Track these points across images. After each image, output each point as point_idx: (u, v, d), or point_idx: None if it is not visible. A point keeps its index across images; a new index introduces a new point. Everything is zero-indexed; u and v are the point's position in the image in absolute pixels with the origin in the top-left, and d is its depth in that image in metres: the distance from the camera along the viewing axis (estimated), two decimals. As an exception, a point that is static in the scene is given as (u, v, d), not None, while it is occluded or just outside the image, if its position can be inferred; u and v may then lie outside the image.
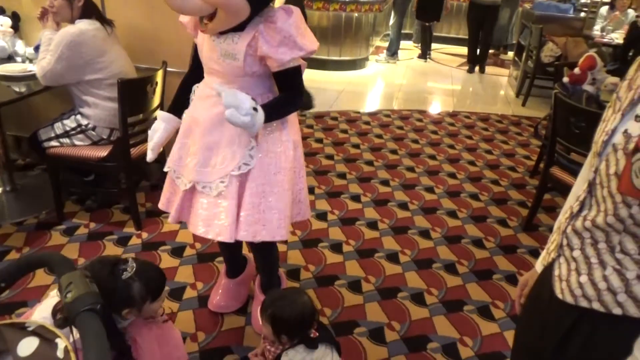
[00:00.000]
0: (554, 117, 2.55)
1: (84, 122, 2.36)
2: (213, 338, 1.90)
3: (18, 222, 2.53)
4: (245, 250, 2.12)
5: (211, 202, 1.58)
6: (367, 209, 2.94)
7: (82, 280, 0.62)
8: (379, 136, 4.13)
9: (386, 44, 7.04)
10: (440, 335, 2.01)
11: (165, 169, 1.71)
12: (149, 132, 1.72)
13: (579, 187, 1.00)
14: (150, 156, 1.72)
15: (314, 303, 1.50)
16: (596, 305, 0.79)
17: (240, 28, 1.42)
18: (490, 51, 7.93)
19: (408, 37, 8.02)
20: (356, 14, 5.86)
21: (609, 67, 4.14)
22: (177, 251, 2.41)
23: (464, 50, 8.10)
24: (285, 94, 1.55)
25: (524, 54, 5.30)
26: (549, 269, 0.91)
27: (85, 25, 2.19)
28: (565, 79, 3.11)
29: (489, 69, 6.95)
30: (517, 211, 3.06)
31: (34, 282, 2.11)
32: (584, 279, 0.80)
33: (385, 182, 3.29)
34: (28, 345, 0.69)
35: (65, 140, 2.37)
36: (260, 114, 1.38)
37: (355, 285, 2.26)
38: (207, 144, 1.56)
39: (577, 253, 0.82)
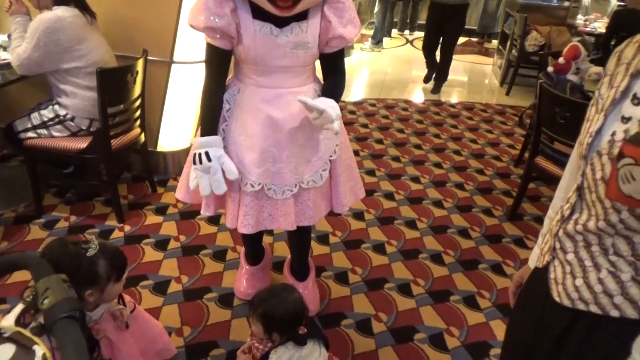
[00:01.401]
0: (538, 106, 2.56)
1: (62, 112, 2.29)
2: (199, 332, 1.87)
3: (-5, 216, 2.46)
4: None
5: (318, 190, 1.67)
6: (353, 199, 2.92)
7: (59, 285, 0.59)
8: (365, 125, 4.11)
9: (371, 32, 7.00)
10: (427, 325, 2.01)
11: (247, 189, 1.55)
12: (203, 164, 1.45)
13: (566, 182, 0.99)
14: (223, 189, 1.49)
15: (302, 299, 1.49)
16: (593, 308, 0.78)
17: (303, 16, 1.42)
18: (475, 39, 7.96)
19: (394, 25, 7.97)
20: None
21: (592, 56, 4.16)
22: (161, 244, 2.37)
23: (448, 38, 8.10)
24: (335, 79, 1.60)
25: (508, 43, 5.31)
26: (544, 270, 0.89)
27: (62, 12, 2.11)
28: (550, 69, 3.12)
29: (473, 57, 6.96)
30: (502, 200, 3.07)
31: (12, 279, 2.05)
32: (579, 282, 0.79)
33: (371, 172, 3.27)
34: (3, 352, 0.65)
35: (43, 131, 2.30)
36: None
37: (342, 277, 2.25)
38: (297, 145, 1.56)
39: (570, 256, 0.81)
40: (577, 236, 0.79)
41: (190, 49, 2.67)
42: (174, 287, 2.10)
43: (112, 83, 2.20)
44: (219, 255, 2.32)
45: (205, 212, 1.67)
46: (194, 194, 1.62)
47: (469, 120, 4.44)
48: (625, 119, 0.74)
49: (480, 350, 1.92)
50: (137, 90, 2.39)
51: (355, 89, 5.29)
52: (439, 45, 5.02)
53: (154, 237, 2.41)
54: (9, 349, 0.66)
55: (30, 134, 2.30)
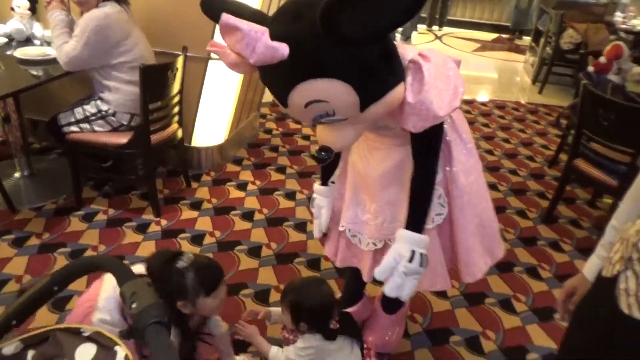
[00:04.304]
0: (581, 107, 2.50)
1: (104, 107, 2.33)
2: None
3: (36, 208, 2.53)
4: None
5: None
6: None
7: (146, 290, 0.61)
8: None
9: (400, 28, 6.93)
10: (462, 328, 2.00)
11: (340, 229, 1.59)
12: (314, 210, 1.63)
13: (638, 192, 0.97)
14: (317, 235, 1.64)
15: (333, 293, 1.49)
16: None
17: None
18: (505, 36, 7.82)
19: (422, 20, 7.88)
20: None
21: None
22: (197, 239, 2.40)
23: (478, 34, 8.01)
24: (415, 171, 1.29)
25: (542, 40, 5.19)
26: (612, 281, 0.88)
27: (109, 8, 2.15)
28: (590, 68, 3.04)
29: (504, 54, 6.84)
30: (536, 202, 3.02)
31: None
32: None
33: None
34: (86, 351, 0.68)
35: (85, 126, 2.35)
36: (417, 254, 1.23)
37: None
38: (388, 200, 1.43)
39: None
40: None
41: (227, 46, 2.68)
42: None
43: (153, 79, 2.23)
44: (254, 251, 2.35)
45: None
46: (344, 259, 1.67)
47: (500, 119, 4.37)
48: None
49: (517, 354, 1.90)
50: (176, 86, 2.43)
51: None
52: None
53: (189, 232, 2.45)
54: (91, 348, 0.69)
55: (73, 128, 2.36)
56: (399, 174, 1.39)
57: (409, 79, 1.11)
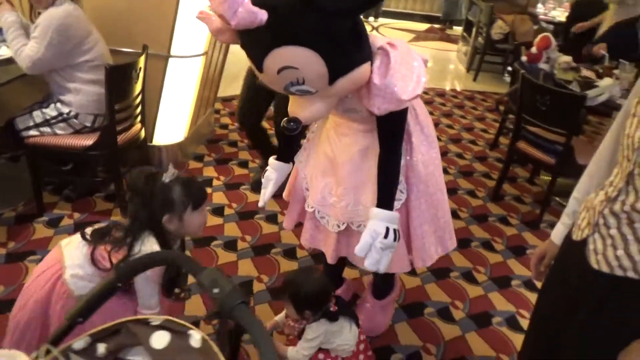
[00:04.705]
0: (520, 95, 2.76)
1: (65, 110, 2.27)
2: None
3: (-6, 216, 2.42)
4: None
5: None
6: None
7: (223, 277, 0.68)
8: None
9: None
10: (433, 300, 2.19)
11: (308, 209, 1.65)
12: (263, 180, 1.67)
13: (596, 168, 1.15)
14: (261, 204, 1.66)
15: (326, 278, 1.59)
16: (631, 274, 0.94)
17: None
18: (437, 26, 8.21)
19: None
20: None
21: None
22: (171, 237, 2.41)
23: (412, 25, 8.35)
24: (382, 153, 1.40)
25: (474, 31, 5.54)
26: (581, 243, 1.05)
27: (68, 6, 2.10)
28: (524, 58, 3.34)
29: (437, 44, 7.20)
30: (483, 182, 3.29)
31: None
32: (620, 252, 0.95)
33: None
34: (160, 338, 0.74)
35: (46, 129, 2.28)
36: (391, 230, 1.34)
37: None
38: (353, 184, 1.52)
39: (614, 231, 0.97)
40: (622, 215, 0.95)
41: (187, 43, 2.68)
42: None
43: (118, 79, 2.21)
44: (230, 245, 2.40)
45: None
46: (312, 240, 1.73)
47: (442, 107, 4.65)
48: None
49: (484, 319, 2.11)
50: (139, 86, 2.41)
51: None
52: None
53: (162, 230, 2.45)
54: (164, 335, 0.75)
55: (33, 132, 2.28)
56: (364, 159, 1.50)
57: (376, 62, 1.23)
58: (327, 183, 1.60)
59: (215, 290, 0.67)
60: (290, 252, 2.39)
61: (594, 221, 1.01)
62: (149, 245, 1.34)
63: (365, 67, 1.20)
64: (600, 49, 3.50)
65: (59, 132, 2.29)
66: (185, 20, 2.59)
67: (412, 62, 1.25)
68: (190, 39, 2.67)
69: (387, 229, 1.34)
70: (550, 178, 2.77)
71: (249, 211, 2.69)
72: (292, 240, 2.46)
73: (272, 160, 1.68)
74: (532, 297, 2.24)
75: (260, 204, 1.67)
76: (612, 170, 1.04)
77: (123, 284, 0.77)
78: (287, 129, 1.21)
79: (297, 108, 1.24)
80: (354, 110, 1.40)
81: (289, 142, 1.71)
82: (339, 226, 1.58)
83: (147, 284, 1.34)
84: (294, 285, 1.52)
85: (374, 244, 1.32)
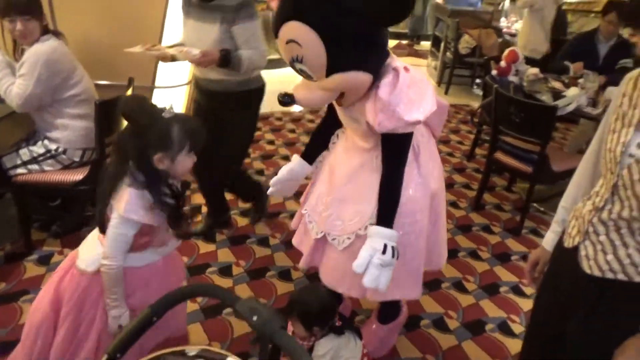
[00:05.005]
0: (495, 107, 2.89)
1: (52, 146, 2.27)
2: (227, 346, 1.98)
3: (-19, 258, 2.38)
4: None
5: (339, 256, 1.58)
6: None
7: (260, 305, 0.73)
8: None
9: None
10: (428, 312, 2.26)
11: (303, 211, 1.72)
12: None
13: (581, 179, 1.24)
14: (270, 190, 1.71)
15: (330, 292, 1.64)
16: (620, 276, 1.02)
17: None
18: (405, 42, 8.45)
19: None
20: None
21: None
22: (165, 267, 2.41)
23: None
24: (384, 173, 1.46)
25: (442, 46, 5.75)
26: (573, 250, 1.13)
27: (53, 42, 2.12)
28: (494, 72, 3.50)
29: (405, 59, 7.40)
30: (464, 193, 3.41)
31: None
32: (610, 257, 1.04)
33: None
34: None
35: (34, 167, 2.27)
36: (388, 250, 1.37)
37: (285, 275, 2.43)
38: (340, 197, 1.57)
39: (603, 238, 1.05)
40: (609, 222, 1.04)
41: (171, 74, 2.73)
42: (191, 306, 2.17)
43: (107, 113, 2.23)
44: (225, 271, 2.42)
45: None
46: (300, 243, 1.79)
47: (418, 121, 4.77)
48: None
49: (477, 327, 2.19)
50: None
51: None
52: None
53: (155, 260, 2.45)
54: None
55: (20, 170, 2.26)
56: (356, 175, 1.56)
57: (386, 80, 1.31)
58: (322, 191, 1.67)
59: (254, 318, 0.71)
60: (285, 274, 2.43)
61: (584, 229, 1.10)
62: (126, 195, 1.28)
63: (364, 76, 1.28)
64: (580, 69, 3.53)
65: (47, 168, 2.29)
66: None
67: (424, 90, 1.34)
68: (174, 69, 2.71)
69: (385, 246, 1.39)
70: (527, 185, 2.90)
71: (241, 235, 2.72)
72: (285, 262, 2.50)
73: (296, 155, 1.74)
74: (521, 302, 2.33)
75: (269, 192, 1.71)
76: (595, 181, 1.14)
77: (158, 318, 0.81)
78: (281, 103, 1.32)
79: (298, 88, 1.35)
80: (356, 121, 1.47)
81: (317, 142, 1.75)
82: (317, 234, 1.64)
83: (115, 239, 1.32)
84: (301, 304, 1.56)
85: (371, 260, 1.36)
